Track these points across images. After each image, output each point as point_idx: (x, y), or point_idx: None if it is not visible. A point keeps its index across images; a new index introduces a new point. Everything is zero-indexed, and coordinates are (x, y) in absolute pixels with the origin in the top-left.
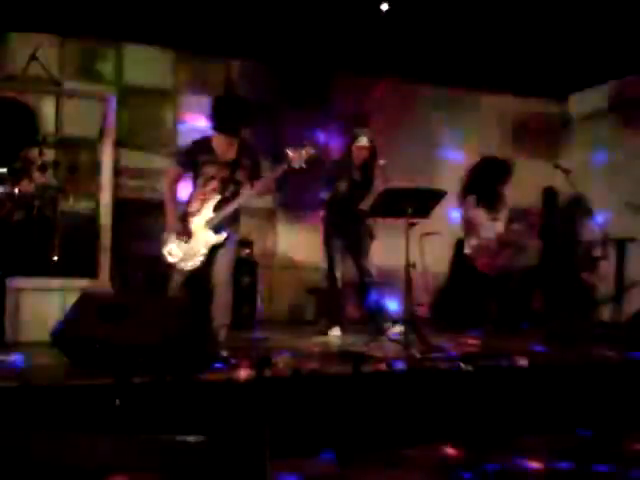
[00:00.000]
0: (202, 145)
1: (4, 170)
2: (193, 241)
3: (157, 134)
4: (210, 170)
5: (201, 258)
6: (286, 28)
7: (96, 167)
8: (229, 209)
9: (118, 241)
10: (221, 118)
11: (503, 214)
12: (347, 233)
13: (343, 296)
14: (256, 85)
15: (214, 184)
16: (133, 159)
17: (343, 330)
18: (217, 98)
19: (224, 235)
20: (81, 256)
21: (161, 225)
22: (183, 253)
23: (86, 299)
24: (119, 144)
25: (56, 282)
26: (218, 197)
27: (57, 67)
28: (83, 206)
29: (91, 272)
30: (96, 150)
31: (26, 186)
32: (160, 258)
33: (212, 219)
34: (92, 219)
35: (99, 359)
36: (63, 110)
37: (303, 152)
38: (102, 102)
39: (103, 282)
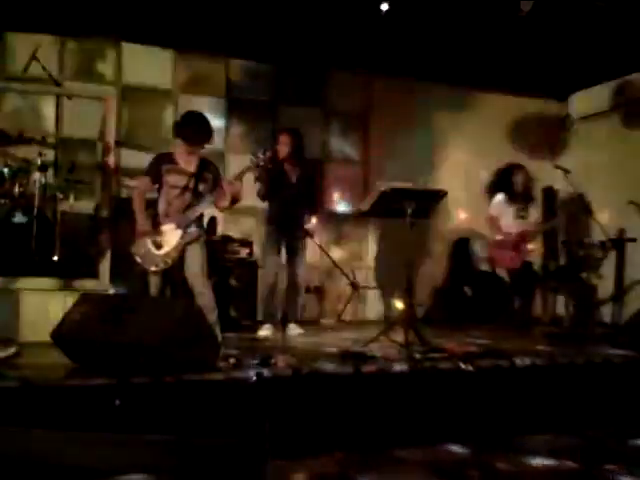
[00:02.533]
0: (165, 157)
1: (4, 170)
2: (165, 242)
3: (157, 134)
4: (173, 179)
5: (171, 259)
6: (285, 26)
7: (96, 167)
8: (200, 210)
9: (118, 241)
10: (184, 129)
11: (531, 210)
12: (286, 232)
13: (276, 295)
14: (255, 84)
15: (177, 192)
16: (133, 159)
17: (276, 329)
18: (184, 114)
19: (194, 232)
20: (81, 256)
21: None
22: (153, 255)
23: (86, 299)
24: (119, 144)
25: (56, 282)
26: (187, 201)
27: (57, 67)
28: (83, 206)
29: (91, 272)
30: (96, 150)
31: (26, 186)
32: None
33: (183, 219)
34: (92, 219)
35: (99, 359)
36: (63, 110)
37: (260, 156)
38: (102, 102)
39: (103, 282)
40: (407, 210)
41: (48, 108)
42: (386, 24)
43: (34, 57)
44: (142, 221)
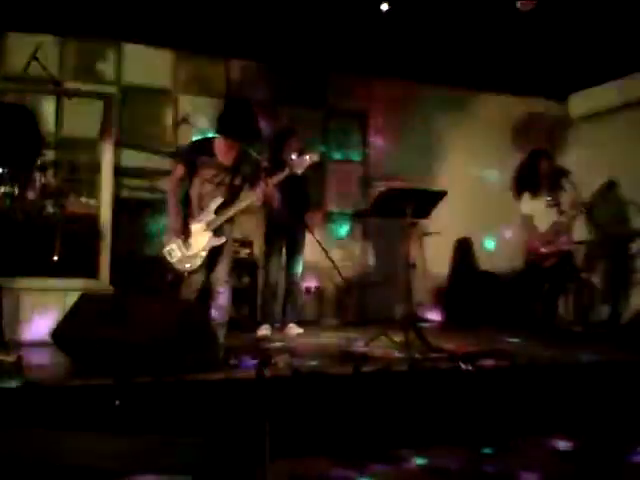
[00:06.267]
0: (203, 146)
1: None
2: (193, 243)
3: (157, 134)
4: (207, 172)
5: (200, 260)
6: (286, 27)
7: (96, 167)
8: (230, 213)
9: (118, 241)
10: (228, 122)
11: (561, 198)
12: (288, 230)
13: (275, 296)
14: (255, 84)
15: (210, 187)
16: (133, 159)
17: (275, 329)
18: (228, 102)
19: (224, 239)
20: (81, 256)
21: (160, 225)
22: (182, 254)
23: (86, 299)
24: (119, 144)
25: (56, 282)
26: (220, 200)
27: (57, 67)
28: (83, 206)
29: (91, 272)
30: (96, 150)
31: (26, 186)
32: (158, 258)
33: (213, 221)
34: (92, 219)
35: (99, 359)
36: (63, 110)
37: (306, 158)
38: (102, 102)
39: (103, 282)
40: (407, 210)
41: (48, 108)
42: (386, 25)
43: (34, 57)
44: (175, 215)
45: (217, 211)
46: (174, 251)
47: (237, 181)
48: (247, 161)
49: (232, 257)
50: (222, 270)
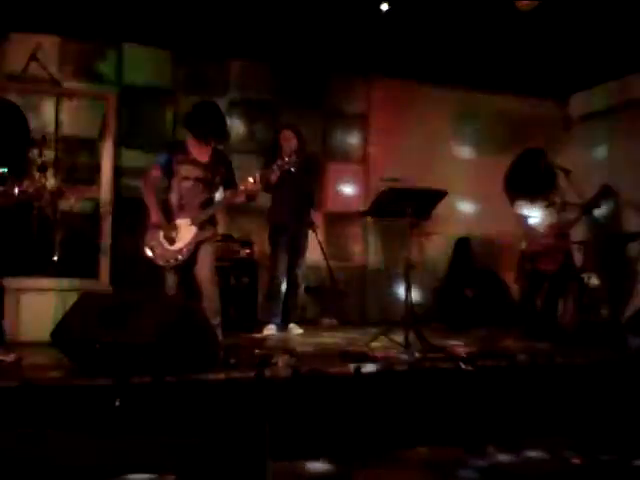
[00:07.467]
0: (178, 145)
1: (4, 169)
2: (178, 238)
3: (157, 134)
4: (185, 170)
5: (183, 256)
6: (285, 26)
7: (96, 167)
8: (215, 208)
9: (118, 241)
10: (194, 122)
11: (556, 198)
12: (291, 229)
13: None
14: (255, 84)
15: (190, 183)
16: (133, 159)
17: (277, 329)
18: (195, 103)
19: (209, 233)
20: (81, 256)
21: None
22: (165, 250)
23: (86, 299)
24: (119, 144)
25: (56, 282)
26: (204, 196)
27: (57, 67)
28: (83, 206)
29: (91, 272)
30: (96, 150)
31: (26, 186)
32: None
33: (198, 217)
34: (92, 219)
35: (99, 359)
36: (63, 110)
37: (287, 159)
38: (102, 102)
39: (103, 282)
40: (407, 210)
41: (48, 108)
42: (386, 25)
43: (34, 57)
44: (155, 213)
45: (201, 207)
46: (156, 246)
47: (214, 177)
48: (221, 160)
49: (217, 256)
50: (208, 269)
